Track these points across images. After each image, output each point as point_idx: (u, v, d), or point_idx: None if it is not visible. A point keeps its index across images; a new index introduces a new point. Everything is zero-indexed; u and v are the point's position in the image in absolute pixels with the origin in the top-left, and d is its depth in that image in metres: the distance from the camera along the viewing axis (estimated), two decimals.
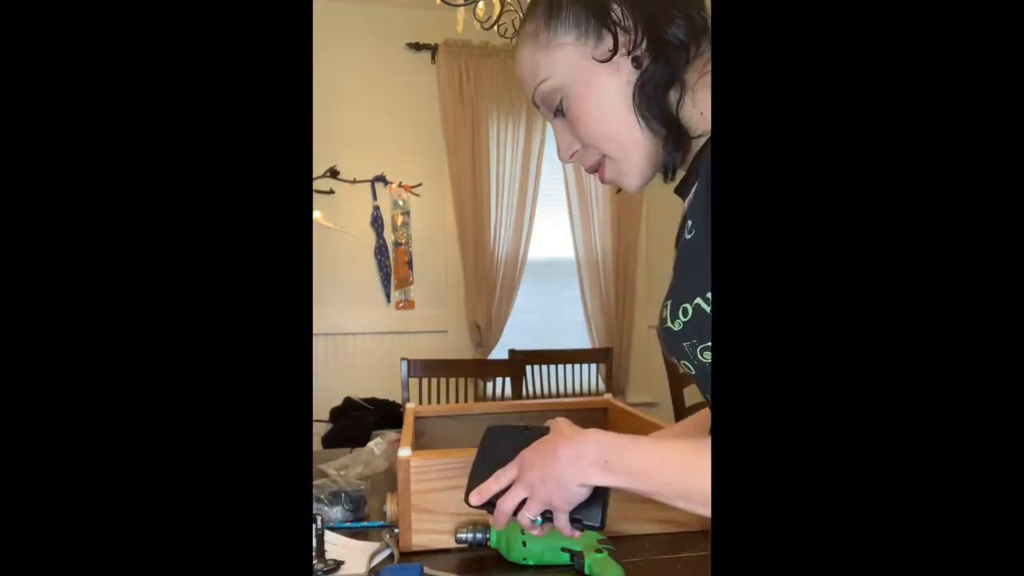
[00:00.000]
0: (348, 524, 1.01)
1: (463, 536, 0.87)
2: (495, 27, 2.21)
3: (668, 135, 0.65)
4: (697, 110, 0.65)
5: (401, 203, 3.20)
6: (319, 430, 2.62)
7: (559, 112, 0.68)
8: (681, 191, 0.69)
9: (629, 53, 0.63)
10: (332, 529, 0.96)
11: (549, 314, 3.46)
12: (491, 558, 0.87)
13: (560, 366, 2.87)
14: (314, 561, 0.85)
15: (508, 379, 2.38)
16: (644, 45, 0.63)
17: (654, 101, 0.64)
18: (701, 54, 0.64)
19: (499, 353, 3.20)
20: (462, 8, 2.13)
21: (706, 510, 0.56)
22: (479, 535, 0.87)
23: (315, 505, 1.01)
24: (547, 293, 3.45)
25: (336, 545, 0.91)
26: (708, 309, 0.58)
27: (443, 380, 2.36)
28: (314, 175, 3.01)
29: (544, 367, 2.84)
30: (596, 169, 0.70)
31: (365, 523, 1.02)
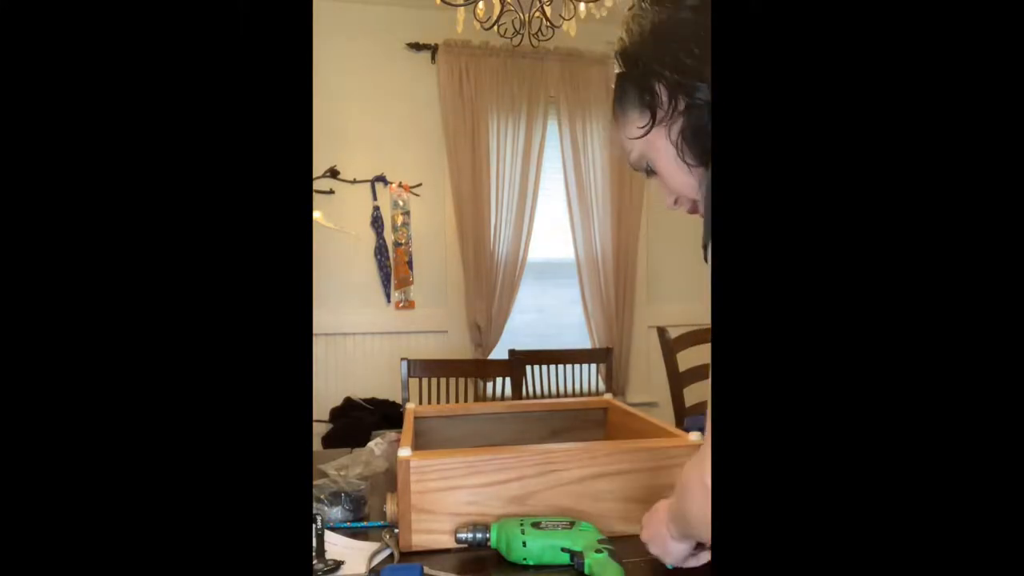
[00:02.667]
0: (348, 524, 1.01)
1: (463, 536, 0.87)
2: (495, 27, 2.21)
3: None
4: None
5: (401, 203, 3.20)
6: (319, 430, 2.63)
7: (651, 173, 0.81)
8: None
9: (668, 119, 0.75)
10: (332, 529, 0.96)
11: (549, 314, 3.46)
12: (491, 558, 0.87)
13: (560, 366, 2.87)
14: (314, 561, 0.85)
15: (508, 379, 2.38)
16: (679, 107, 0.73)
17: (697, 144, 0.74)
18: None
19: (499, 353, 3.20)
20: (462, 8, 2.13)
21: None
22: (479, 535, 0.87)
23: (315, 505, 1.01)
24: (547, 293, 3.45)
25: (336, 545, 0.91)
26: None
27: (443, 380, 2.36)
28: (314, 175, 3.01)
29: (544, 367, 2.84)
30: (694, 211, 0.81)
31: (365, 523, 1.02)
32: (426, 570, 0.81)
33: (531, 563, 0.83)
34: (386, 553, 0.90)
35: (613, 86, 0.81)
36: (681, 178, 0.77)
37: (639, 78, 0.76)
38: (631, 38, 0.77)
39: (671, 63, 0.73)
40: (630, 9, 0.79)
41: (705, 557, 0.78)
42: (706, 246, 0.69)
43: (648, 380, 3.49)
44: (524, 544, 0.83)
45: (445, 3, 2.09)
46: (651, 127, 0.75)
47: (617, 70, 0.79)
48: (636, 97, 0.76)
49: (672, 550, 0.77)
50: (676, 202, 0.82)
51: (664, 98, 0.74)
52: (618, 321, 3.40)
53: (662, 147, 0.77)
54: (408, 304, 3.21)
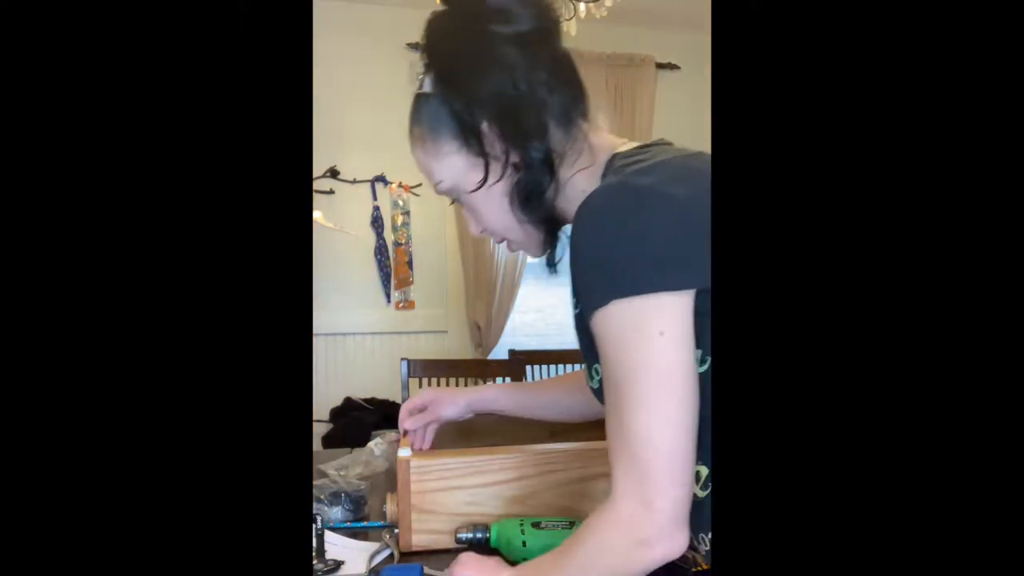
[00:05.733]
0: (348, 524, 1.01)
1: (463, 536, 0.87)
2: None
3: (547, 229, 0.74)
4: (570, 202, 0.69)
5: (401, 203, 3.19)
6: (319, 430, 2.62)
7: (459, 202, 0.75)
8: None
9: (503, 171, 0.69)
10: (332, 529, 0.96)
11: (549, 314, 3.46)
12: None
13: (560, 366, 2.87)
14: (314, 561, 0.85)
15: (508, 379, 2.38)
16: (515, 158, 0.68)
17: (530, 205, 0.70)
18: (572, 148, 0.69)
19: (499, 353, 3.20)
20: None
21: None
22: (479, 535, 0.87)
23: (315, 505, 1.01)
24: (547, 293, 3.45)
25: (336, 545, 0.91)
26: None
27: (443, 380, 2.36)
28: (314, 175, 3.01)
29: (544, 367, 2.84)
30: (502, 241, 0.77)
31: (365, 523, 1.02)
32: (426, 570, 0.81)
33: None
34: (386, 553, 0.90)
35: (416, 93, 0.71)
36: (505, 223, 0.73)
37: (461, 112, 0.68)
38: (440, 56, 0.70)
39: (507, 118, 0.66)
40: (432, 20, 0.70)
41: None
42: (553, 264, 0.70)
43: None
44: (524, 544, 0.83)
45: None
46: (484, 183, 0.69)
47: (427, 89, 0.70)
48: (455, 129, 0.69)
49: None
50: (483, 231, 0.76)
51: (495, 147, 0.68)
52: None
53: (493, 191, 0.71)
54: (408, 304, 3.21)
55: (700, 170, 0.62)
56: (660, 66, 3.41)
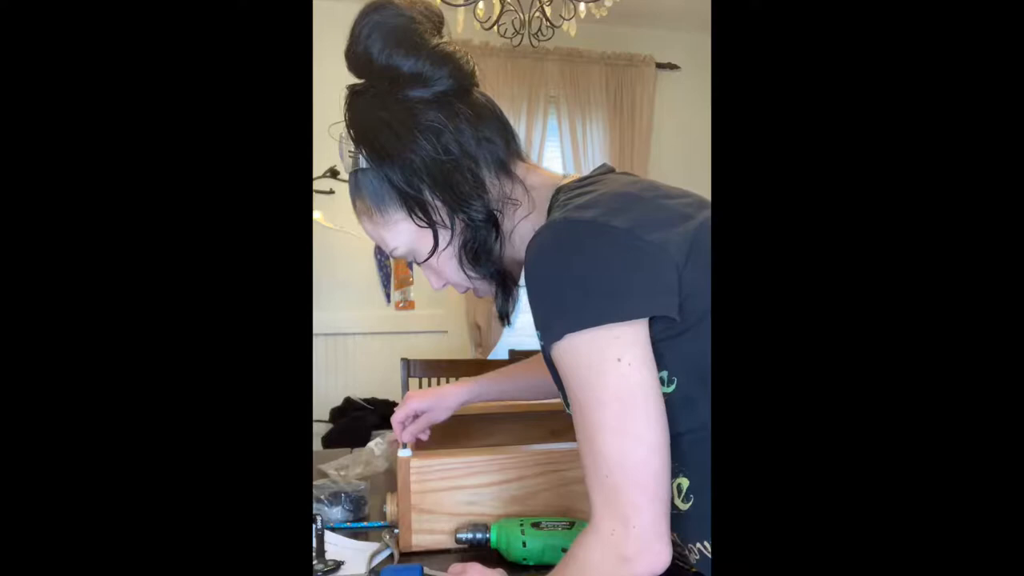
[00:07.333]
0: (348, 524, 1.01)
1: (463, 536, 0.87)
2: (495, 27, 2.21)
3: (498, 281, 0.74)
4: (519, 251, 0.70)
5: None
6: (319, 430, 2.62)
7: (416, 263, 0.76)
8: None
9: (451, 236, 0.70)
10: (332, 529, 0.96)
11: None
12: (491, 558, 0.86)
13: None
14: (314, 561, 0.85)
15: None
16: (459, 218, 0.69)
17: (479, 263, 0.72)
18: (510, 202, 0.70)
19: (499, 353, 3.20)
20: (462, 8, 2.13)
21: None
22: (479, 535, 0.87)
23: (315, 505, 1.01)
24: None
25: (336, 545, 0.91)
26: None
27: (443, 380, 2.36)
28: (314, 175, 3.01)
29: None
30: (467, 291, 0.78)
31: (365, 523, 1.02)
32: (426, 570, 0.81)
33: (531, 563, 0.83)
34: (386, 553, 0.90)
35: (351, 171, 0.72)
36: (462, 278, 0.74)
37: (400, 184, 0.69)
38: (367, 131, 0.70)
39: (444, 184, 0.67)
40: (350, 96, 0.71)
41: None
42: (506, 315, 0.71)
43: None
44: (524, 544, 0.83)
45: (445, 3, 2.09)
46: (435, 249, 0.70)
47: (363, 165, 0.71)
48: (398, 199, 0.70)
49: None
50: (445, 285, 0.78)
51: (440, 214, 0.69)
52: None
53: (444, 259, 0.72)
54: (408, 304, 3.20)
55: (641, 198, 0.64)
56: (660, 66, 3.41)
